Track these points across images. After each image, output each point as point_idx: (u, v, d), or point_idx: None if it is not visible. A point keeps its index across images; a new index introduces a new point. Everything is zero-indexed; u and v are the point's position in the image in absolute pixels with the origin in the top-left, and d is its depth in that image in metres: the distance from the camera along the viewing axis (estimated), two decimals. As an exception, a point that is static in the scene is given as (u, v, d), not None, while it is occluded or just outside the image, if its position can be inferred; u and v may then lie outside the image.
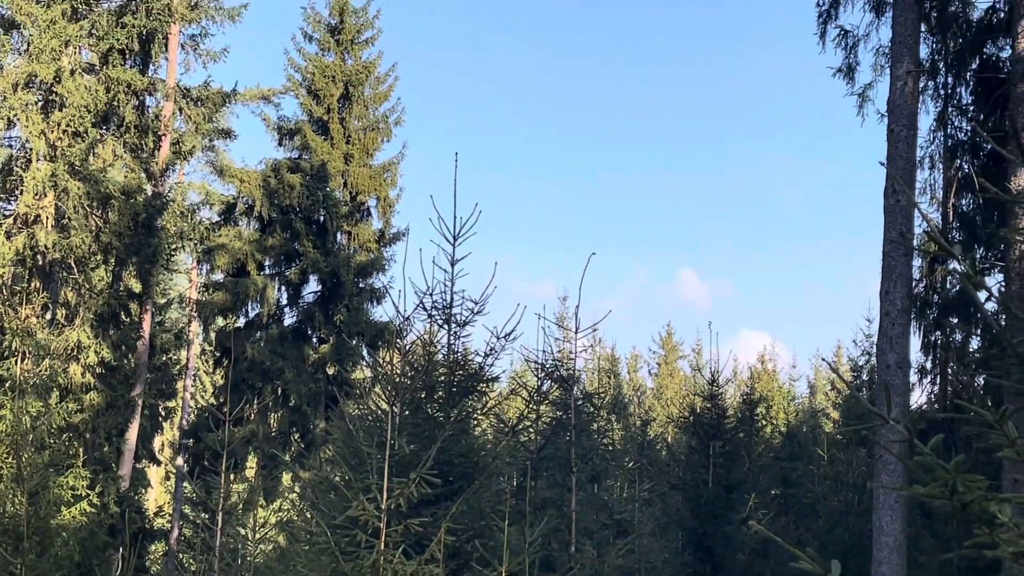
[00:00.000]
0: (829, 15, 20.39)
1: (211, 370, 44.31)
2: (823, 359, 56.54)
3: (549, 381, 13.40)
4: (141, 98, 28.11)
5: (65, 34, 25.15)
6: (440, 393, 10.61)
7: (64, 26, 25.22)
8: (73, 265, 25.41)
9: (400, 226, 35.69)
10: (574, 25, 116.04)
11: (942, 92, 20.51)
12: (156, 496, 50.29)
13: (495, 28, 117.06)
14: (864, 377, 33.09)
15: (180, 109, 29.07)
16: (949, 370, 20.66)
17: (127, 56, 27.44)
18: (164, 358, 33.45)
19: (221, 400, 33.74)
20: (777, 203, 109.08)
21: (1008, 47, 18.29)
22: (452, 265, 10.74)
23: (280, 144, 35.61)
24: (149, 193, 27.42)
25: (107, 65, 26.44)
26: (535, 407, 13.32)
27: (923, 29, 19.08)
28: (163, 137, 28.30)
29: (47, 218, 24.72)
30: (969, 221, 19.93)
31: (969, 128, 20.27)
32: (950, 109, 20.44)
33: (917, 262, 19.20)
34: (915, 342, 19.39)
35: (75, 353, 24.71)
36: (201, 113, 29.35)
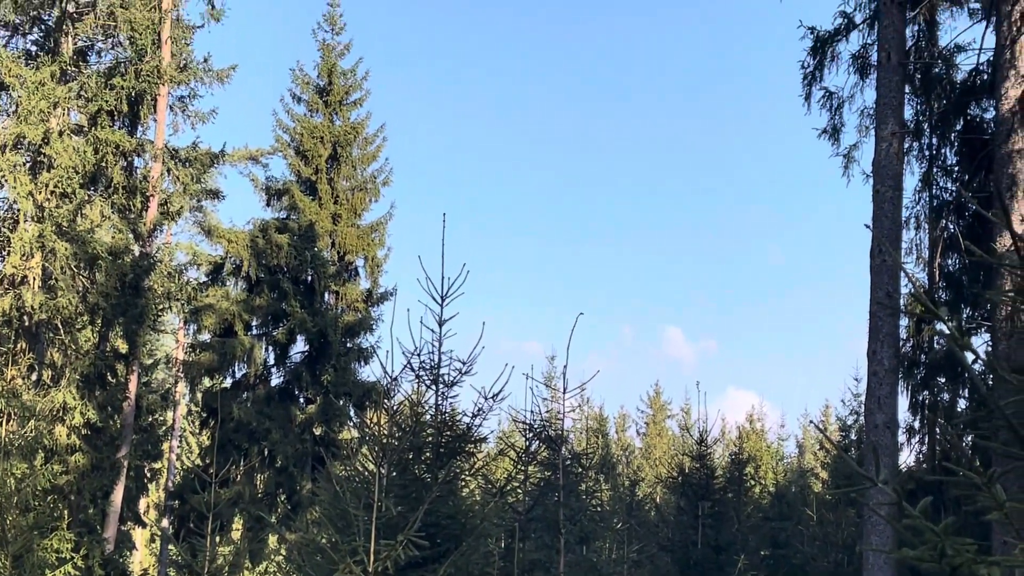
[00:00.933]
0: (814, 77, 20.58)
1: (197, 431, 44.10)
2: (811, 422, 56.44)
3: (537, 441, 13.34)
4: (129, 159, 28.18)
5: (54, 95, 25.25)
6: (427, 454, 10.55)
7: (53, 88, 25.33)
8: (60, 326, 25.35)
9: (388, 285, 35.73)
10: (562, 81, 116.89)
11: (927, 153, 20.66)
12: (141, 559, 49.80)
13: (484, 83, 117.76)
14: (852, 437, 33.01)
15: (168, 170, 29.13)
16: (937, 430, 20.64)
17: (115, 117, 27.54)
18: (150, 419, 33.22)
19: (207, 461, 33.54)
20: (761, 262, 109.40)
21: (992, 108, 18.44)
22: (440, 325, 10.72)
23: (268, 204, 35.65)
24: (136, 254, 27.42)
25: (95, 126, 26.54)
26: (523, 468, 13.26)
27: (907, 90, 19.26)
28: (151, 198, 28.31)
29: (34, 279, 24.69)
30: (955, 281, 20.00)
31: (954, 189, 20.40)
32: (935, 170, 20.57)
33: (904, 322, 19.25)
34: (903, 402, 19.43)
35: (61, 414, 24.58)
36: (189, 174, 29.41)
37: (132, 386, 27.66)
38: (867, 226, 17.38)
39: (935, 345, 20.20)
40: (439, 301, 10.70)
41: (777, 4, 21.27)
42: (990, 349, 16.18)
